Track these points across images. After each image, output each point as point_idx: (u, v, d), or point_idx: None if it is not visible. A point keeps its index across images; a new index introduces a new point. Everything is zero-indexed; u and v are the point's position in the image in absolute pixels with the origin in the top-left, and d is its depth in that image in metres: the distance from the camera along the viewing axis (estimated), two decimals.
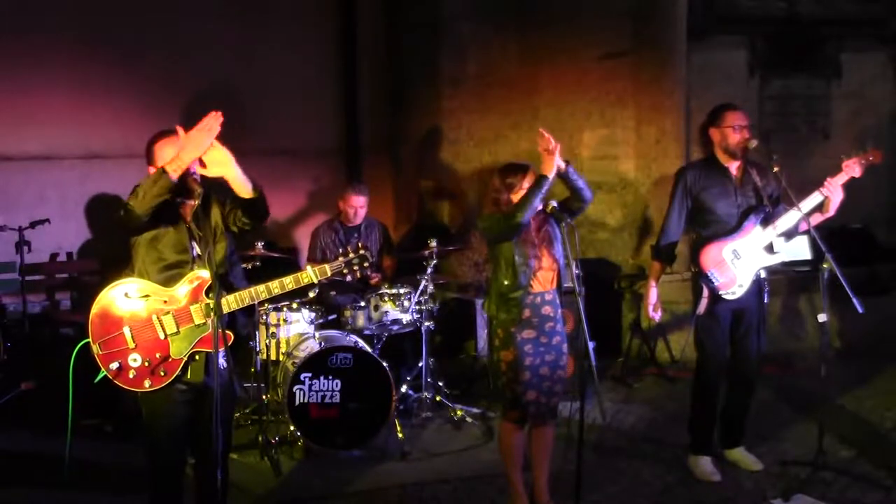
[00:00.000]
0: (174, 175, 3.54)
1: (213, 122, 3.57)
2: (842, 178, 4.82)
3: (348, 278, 3.90)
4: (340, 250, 4.01)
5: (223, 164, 3.64)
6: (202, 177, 3.75)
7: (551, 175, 4.31)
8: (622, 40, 7.57)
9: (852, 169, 4.82)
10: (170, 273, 3.74)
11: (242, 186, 3.69)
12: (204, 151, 3.58)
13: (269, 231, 7.60)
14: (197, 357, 3.75)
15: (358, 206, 6.46)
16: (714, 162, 4.99)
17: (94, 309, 3.71)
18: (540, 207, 4.39)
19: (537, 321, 4.38)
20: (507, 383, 4.40)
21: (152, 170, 3.70)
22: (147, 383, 3.69)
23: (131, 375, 3.68)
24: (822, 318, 4.76)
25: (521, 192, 4.37)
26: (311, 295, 5.84)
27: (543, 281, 4.42)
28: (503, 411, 4.55)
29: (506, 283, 4.38)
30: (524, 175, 4.40)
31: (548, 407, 4.44)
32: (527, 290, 4.35)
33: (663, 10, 7.68)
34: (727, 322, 4.92)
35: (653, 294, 5.06)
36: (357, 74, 8.21)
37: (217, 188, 3.94)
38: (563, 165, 4.35)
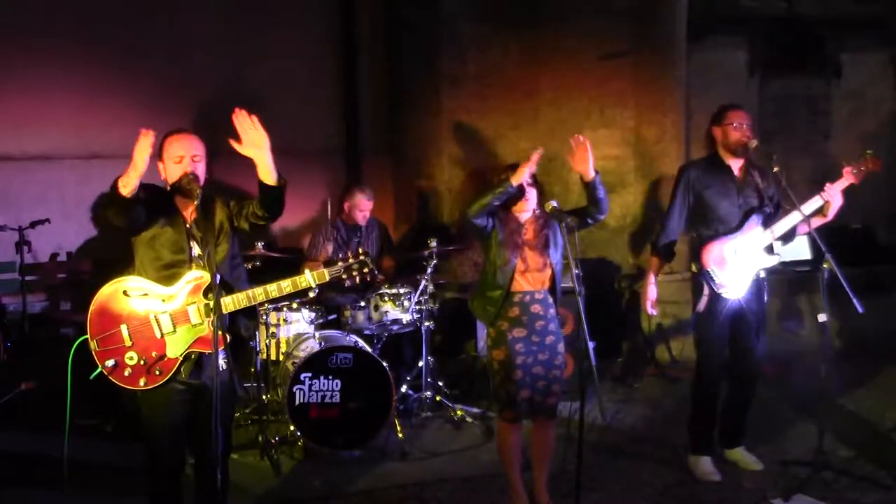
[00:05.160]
0: (124, 191, 3.57)
1: (145, 140, 3.56)
2: (841, 184, 4.83)
3: (347, 283, 3.89)
4: (340, 254, 4.01)
5: (258, 147, 3.67)
6: (205, 179, 3.78)
7: (515, 182, 4.32)
8: (622, 40, 7.58)
9: (850, 175, 4.83)
10: (167, 273, 3.75)
11: (269, 173, 3.72)
12: (144, 168, 3.57)
13: (269, 231, 7.60)
14: (192, 356, 3.76)
15: (366, 209, 6.46)
16: (717, 161, 4.99)
17: (93, 305, 3.73)
18: (534, 206, 4.42)
19: (526, 319, 4.39)
20: (500, 383, 4.42)
21: (160, 165, 3.76)
22: (142, 381, 3.70)
23: (127, 373, 3.69)
24: (822, 318, 4.76)
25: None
26: (311, 295, 5.84)
27: (533, 281, 4.43)
28: (498, 411, 4.55)
29: (487, 281, 4.44)
30: (512, 172, 4.41)
31: (543, 405, 4.44)
32: (505, 290, 4.37)
33: (663, 10, 7.69)
34: (727, 321, 4.92)
35: (651, 290, 5.07)
36: (357, 74, 8.21)
37: (219, 190, 3.95)
38: (592, 174, 4.38)
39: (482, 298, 4.47)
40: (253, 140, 3.67)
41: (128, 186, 3.57)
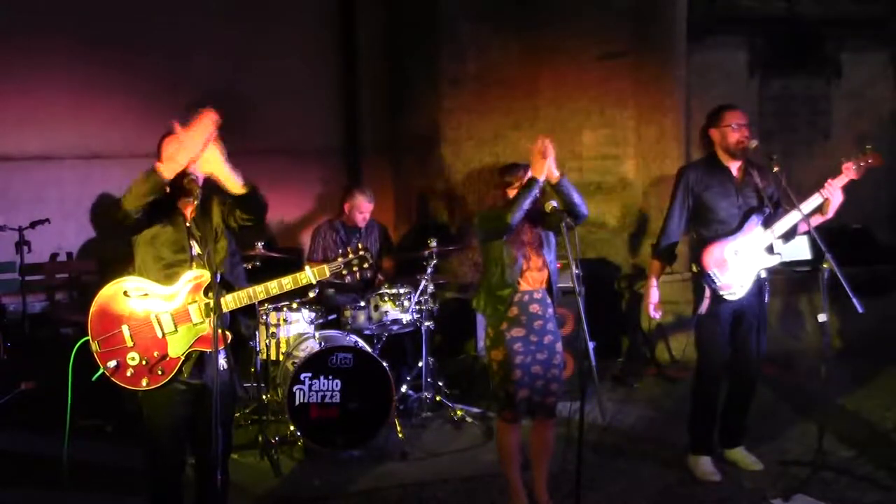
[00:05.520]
0: (166, 174, 3.57)
1: (207, 121, 3.59)
2: (841, 181, 4.82)
3: (347, 279, 3.90)
4: (340, 251, 4.01)
5: (212, 162, 3.66)
6: (204, 178, 3.78)
7: (541, 178, 4.31)
8: (622, 40, 7.58)
9: (851, 171, 4.83)
10: (168, 272, 3.75)
11: (233, 183, 3.71)
12: (201, 150, 3.59)
13: (269, 231, 7.60)
14: (193, 355, 3.76)
15: (367, 210, 6.45)
16: (715, 162, 4.99)
17: (94, 307, 3.73)
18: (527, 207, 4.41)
19: (525, 319, 4.39)
20: (499, 382, 4.42)
21: (159, 165, 3.74)
22: (144, 382, 3.70)
23: (129, 374, 3.69)
24: (822, 318, 4.76)
25: (516, 192, 4.39)
26: (311, 295, 5.84)
27: (533, 281, 4.44)
28: (498, 411, 4.55)
29: (494, 280, 4.42)
30: (522, 175, 4.41)
31: (542, 405, 4.44)
32: (514, 288, 4.37)
33: (663, 10, 7.69)
34: (728, 322, 4.92)
35: (653, 293, 5.06)
36: (357, 74, 8.21)
37: (218, 189, 3.95)
38: (556, 175, 4.33)
39: (491, 298, 4.45)
40: (205, 158, 3.64)
41: (172, 171, 3.57)
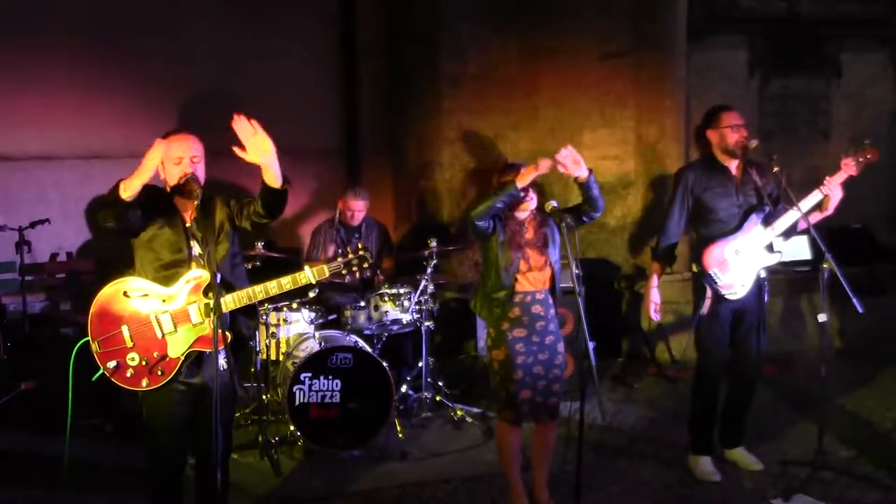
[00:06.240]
0: (124, 194, 3.56)
1: (157, 148, 3.62)
2: (840, 177, 4.82)
3: (347, 279, 3.90)
4: (340, 250, 4.01)
5: (265, 152, 3.66)
6: (204, 179, 3.78)
7: (520, 185, 4.30)
8: (622, 40, 7.58)
9: (850, 167, 4.83)
10: (166, 273, 3.76)
11: (275, 178, 3.72)
12: (151, 174, 3.61)
13: (269, 231, 7.60)
14: (193, 356, 3.76)
15: (357, 209, 6.45)
16: (714, 162, 4.99)
17: (94, 307, 3.74)
18: (534, 206, 4.41)
19: (527, 320, 4.39)
20: (500, 383, 4.41)
21: (159, 166, 3.76)
22: (144, 382, 3.70)
23: (129, 374, 3.69)
24: (822, 318, 4.76)
25: None
26: (312, 295, 5.84)
27: (535, 281, 4.43)
28: (498, 411, 4.55)
29: (489, 283, 4.43)
30: (515, 174, 4.41)
31: (545, 406, 4.44)
32: (510, 290, 4.37)
33: (663, 10, 7.69)
34: (728, 322, 4.92)
35: (654, 294, 5.06)
36: (357, 74, 8.21)
37: (219, 189, 3.96)
38: (585, 174, 4.34)
39: (487, 300, 4.45)
40: (257, 145, 3.66)
41: (129, 190, 3.57)
